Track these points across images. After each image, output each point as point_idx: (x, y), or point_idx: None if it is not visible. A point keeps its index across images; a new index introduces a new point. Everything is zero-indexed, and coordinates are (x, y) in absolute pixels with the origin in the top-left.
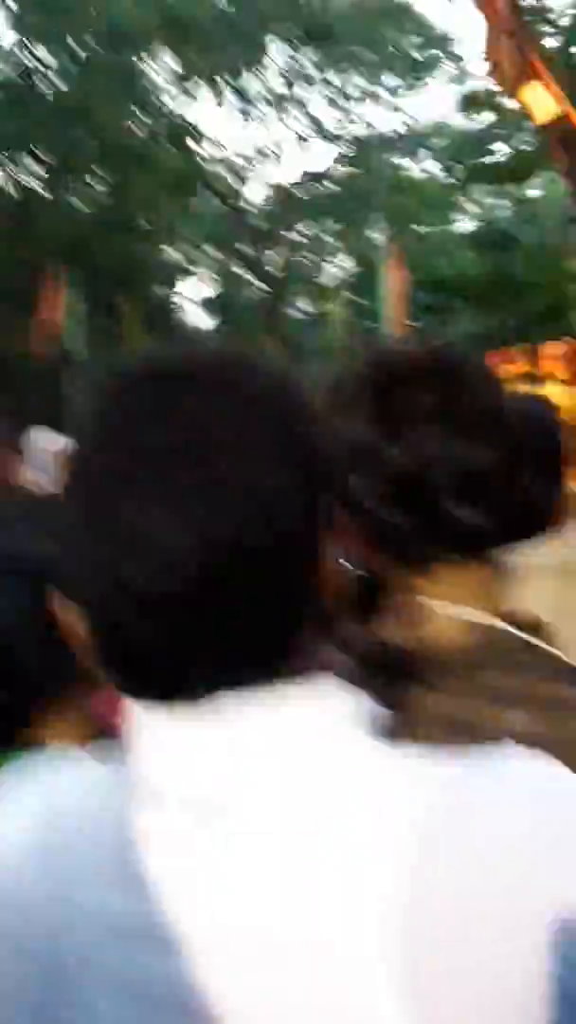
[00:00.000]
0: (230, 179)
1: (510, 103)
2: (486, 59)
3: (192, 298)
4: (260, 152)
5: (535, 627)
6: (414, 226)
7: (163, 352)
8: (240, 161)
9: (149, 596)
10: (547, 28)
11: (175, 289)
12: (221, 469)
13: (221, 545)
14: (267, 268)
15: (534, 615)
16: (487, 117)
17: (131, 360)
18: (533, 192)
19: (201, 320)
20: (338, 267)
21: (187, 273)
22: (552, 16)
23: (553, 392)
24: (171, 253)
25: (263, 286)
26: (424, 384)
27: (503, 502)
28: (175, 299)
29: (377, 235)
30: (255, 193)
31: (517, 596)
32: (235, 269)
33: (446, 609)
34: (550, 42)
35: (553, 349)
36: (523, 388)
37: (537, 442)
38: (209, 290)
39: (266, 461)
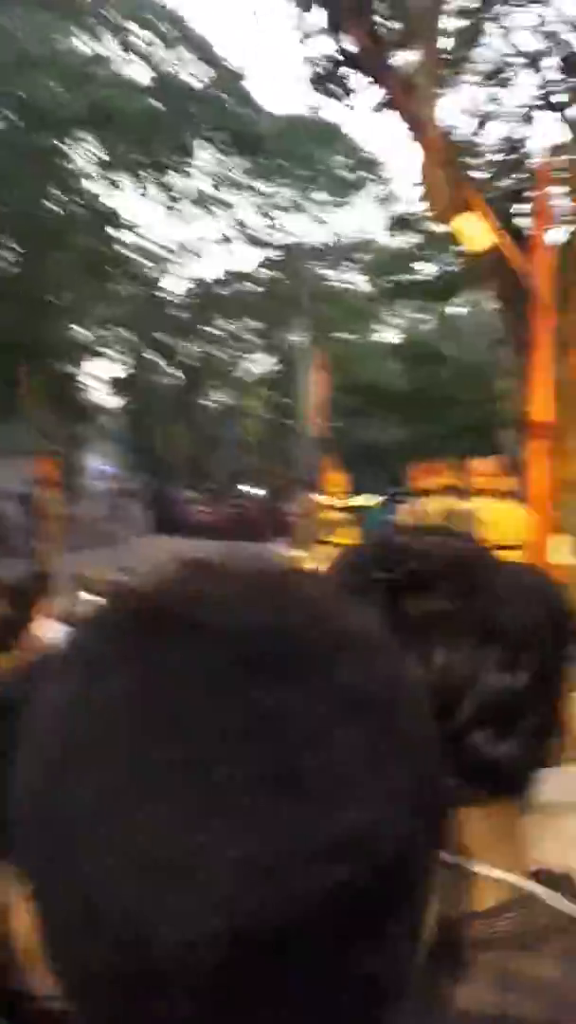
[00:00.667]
0: (150, 268)
1: (436, 225)
2: (421, 190)
3: (100, 376)
4: (182, 246)
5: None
6: (337, 333)
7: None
8: (161, 252)
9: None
10: (476, 161)
11: (81, 367)
12: (310, 802)
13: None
14: (182, 357)
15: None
16: (412, 237)
17: (154, 595)
18: (456, 310)
19: (107, 400)
20: (256, 364)
21: (95, 353)
22: (481, 150)
23: (482, 507)
24: (80, 332)
25: (177, 374)
26: (449, 593)
27: (537, 726)
28: (81, 377)
29: (298, 338)
30: (176, 285)
31: (545, 840)
32: (148, 355)
33: (479, 868)
34: (478, 174)
35: (482, 465)
36: (452, 502)
37: (560, 647)
38: (118, 371)
39: (383, 795)
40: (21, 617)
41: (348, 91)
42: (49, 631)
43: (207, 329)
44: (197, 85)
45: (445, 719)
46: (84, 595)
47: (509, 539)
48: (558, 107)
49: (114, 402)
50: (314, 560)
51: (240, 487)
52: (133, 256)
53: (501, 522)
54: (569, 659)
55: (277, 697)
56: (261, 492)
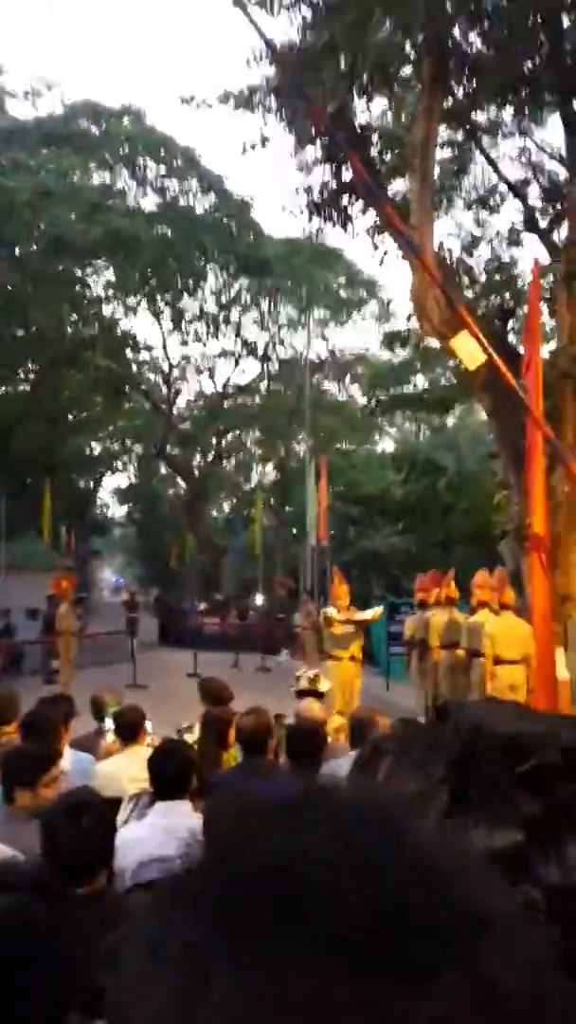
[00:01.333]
0: (161, 385)
1: (429, 342)
2: (414, 309)
3: (107, 487)
4: (192, 364)
5: None
6: (338, 444)
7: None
8: (172, 370)
9: None
10: (467, 281)
11: (98, 482)
12: None
13: None
14: (191, 467)
15: None
16: (406, 352)
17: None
18: (450, 420)
19: (115, 508)
20: (260, 474)
21: (110, 468)
22: (472, 270)
23: (485, 620)
24: (96, 447)
25: (183, 484)
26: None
27: None
28: (97, 490)
29: (301, 448)
30: (183, 399)
31: None
32: (158, 465)
33: None
34: (469, 293)
35: (483, 577)
36: (455, 614)
37: None
38: (124, 481)
39: None
40: (47, 751)
41: (346, 216)
42: (67, 760)
43: (213, 441)
44: (206, 213)
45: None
46: (105, 725)
47: (514, 653)
48: (542, 231)
49: (122, 511)
50: (322, 673)
51: (247, 598)
52: (146, 374)
53: (505, 635)
54: None
55: (408, 1005)
56: (267, 602)
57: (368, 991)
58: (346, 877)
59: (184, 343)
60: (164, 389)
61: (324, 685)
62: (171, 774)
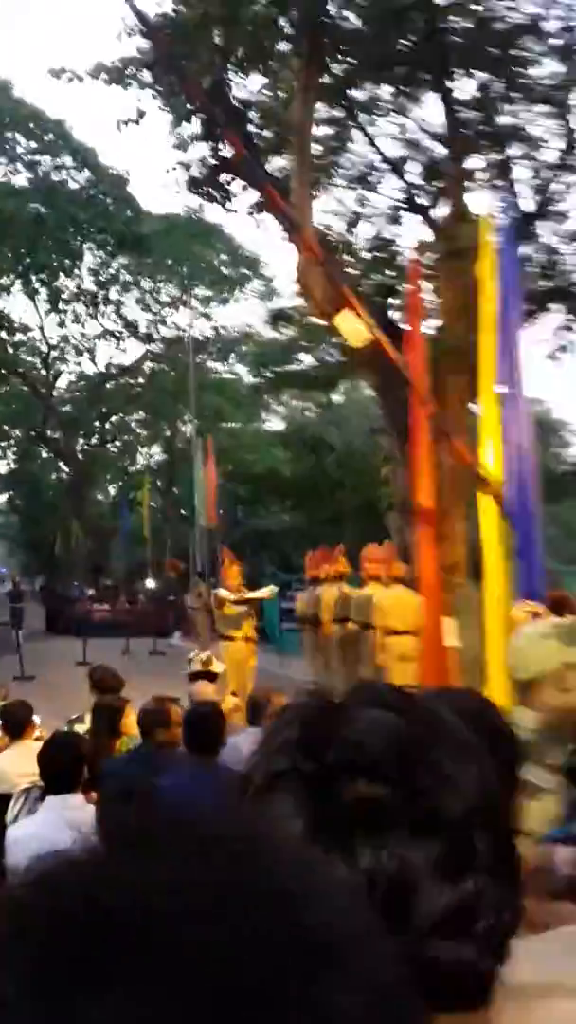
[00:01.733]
0: (40, 367)
1: (314, 319)
2: (298, 288)
3: None
4: (72, 345)
5: None
6: (225, 423)
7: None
8: (51, 352)
9: None
10: (349, 259)
11: None
12: None
13: None
14: (74, 451)
15: None
16: (292, 329)
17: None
18: (336, 398)
19: None
20: (146, 456)
21: None
22: (354, 247)
23: (376, 593)
24: None
25: (67, 469)
26: (385, 777)
27: (497, 918)
28: None
29: (187, 429)
30: (64, 381)
31: None
32: (39, 449)
33: None
34: (352, 271)
35: (373, 551)
36: (346, 588)
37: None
38: (2, 467)
39: None
40: None
41: (226, 194)
42: None
43: (96, 423)
44: (80, 189)
45: (395, 929)
46: None
47: (404, 624)
48: (422, 209)
49: (1, 499)
50: (216, 654)
51: (137, 582)
52: (23, 356)
53: (394, 607)
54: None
55: None
56: (157, 586)
57: None
58: (181, 918)
59: (62, 324)
60: (43, 371)
61: (217, 666)
62: (61, 767)
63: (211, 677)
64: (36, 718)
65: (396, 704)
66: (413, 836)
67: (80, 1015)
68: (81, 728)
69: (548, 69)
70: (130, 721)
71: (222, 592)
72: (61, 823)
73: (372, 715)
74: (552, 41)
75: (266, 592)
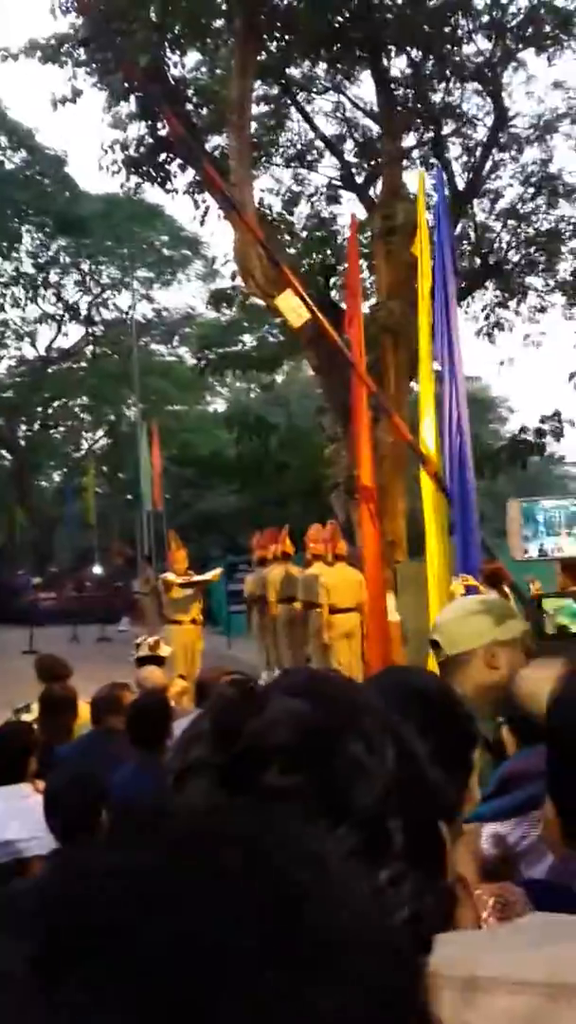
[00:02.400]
0: None
1: (255, 300)
2: (238, 267)
3: None
4: (11, 329)
5: None
6: (168, 406)
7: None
8: None
9: None
10: (288, 238)
11: None
12: None
13: None
14: (15, 438)
15: None
16: (233, 310)
17: None
18: (278, 378)
19: None
20: (91, 441)
21: None
22: (293, 226)
23: (320, 572)
24: None
25: (8, 456)
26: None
27: (418, 910)
28: None
29: (131, 412)
30: (3, 366)
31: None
32: None
33: None
34: (291, 251)
35: (315, 532)
36: (291, 568)
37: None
38: None
39: None
40: None
41: (165, 173)
42: None
43: (37, 408)
44: (16, 170)
45: None
46: None
47: (348, 602)
48: (359, 187)
49: None
50: (164, 638)
51: (83, 568)
52: None
53: (338, 585)
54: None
55: None
56: (104, 571)
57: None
58: (190, 903)
59: (1, 308)
60: None
61: (165, 650)
62: (9, 758)
63: (159, 661)
64: None
65: (311, 692)
66: (326, 826)
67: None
68: (28, 717)
69: (479, 47)
70: (81, 709)
71: (169, 576)
72: (10, 813)
73: (283, 704)
74: (482, 19)
75: (213, 574)
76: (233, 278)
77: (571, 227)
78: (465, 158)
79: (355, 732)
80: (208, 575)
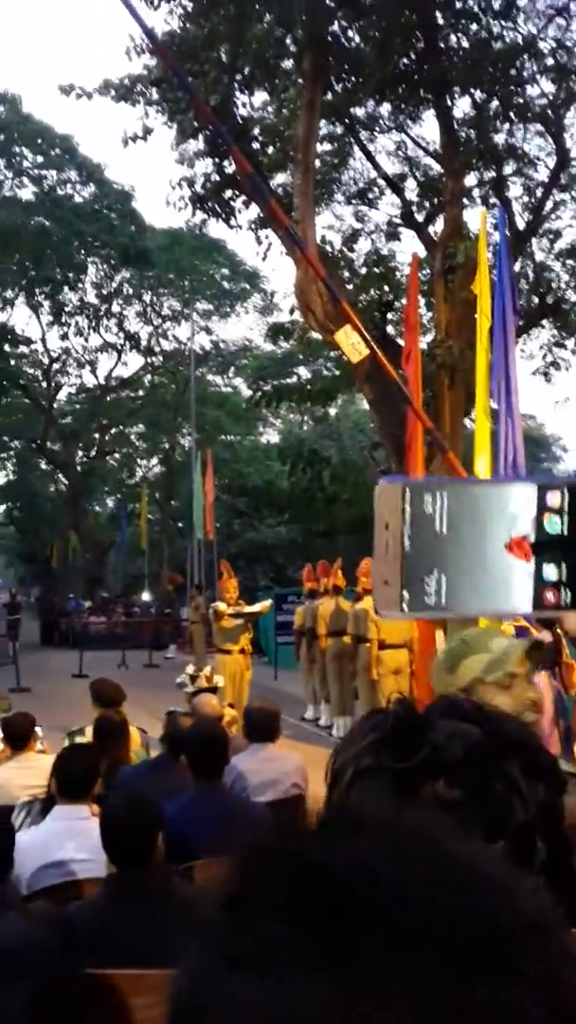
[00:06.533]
0: (40, 379)
1: (313, 334)
2: (298, 302)
3: None
4: (73, 357)
5: None
6: (223, 436)
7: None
8: (52, 364)
9: None
10: (348, 274)
11: None
12: None
13: None
14: (73, 463)
15: None
16: (289, 343)
17: None
18: (331, 411)
19: None
20: (145, 469)
21: None
22: (352, 262)
23: (369, 606)
24: None
25: (65, 480)
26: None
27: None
28: None
29: (186, 442)
30: (64, 393)
31: None
32: (38, 461)
33: None
34: (349, 285)
35: (367, 566)
36: (342, 602)
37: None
38: (1, 478)
39: None
40: None
41: (229, 209)
42: None
43: (95, 436)
44: (85, 203)
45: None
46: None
47: (398, 638)
48: (419, 225)
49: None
50: (212, 666)
51: (133, 594)
52: (25, 368)
53: (389, 621)
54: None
55: (496, 1005)
56: (153, 598)
57: (466, 990)
58: (417, 886)
59: (64, 336)
60: (44, 383)
61: (218, 680)
62: (77, 776)
63: (212, 691)
64: (38, 730)
65: (480, 719)
66: (484, 837)
67: (349, 956)
68: (82, 740)
69: (543, 89)
70: (132, 734)
71: (220, 605)
72: (67, 833)
73: (455, 726)
74: (547, 61)
75: (262, 607)
76: (291, 312)
77: None
78: (526, 198)
79: (514, 758)
80: (258, 607)
